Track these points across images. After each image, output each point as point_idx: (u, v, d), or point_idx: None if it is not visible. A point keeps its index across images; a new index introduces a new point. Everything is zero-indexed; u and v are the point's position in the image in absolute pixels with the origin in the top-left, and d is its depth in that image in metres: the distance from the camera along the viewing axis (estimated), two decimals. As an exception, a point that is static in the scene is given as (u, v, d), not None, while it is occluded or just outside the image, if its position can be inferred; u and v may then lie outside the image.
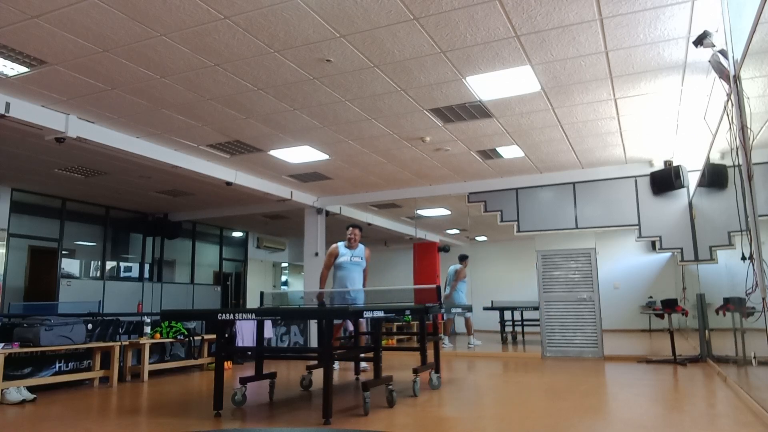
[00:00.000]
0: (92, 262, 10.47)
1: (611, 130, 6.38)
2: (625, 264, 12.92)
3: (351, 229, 6.59)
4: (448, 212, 11.16)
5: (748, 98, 3.33)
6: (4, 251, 8.65)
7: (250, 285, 13.90)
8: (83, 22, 3.86)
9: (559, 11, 3.82)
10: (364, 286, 6.54)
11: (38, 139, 5.91)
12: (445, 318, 12.27)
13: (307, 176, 8.43)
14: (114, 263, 11.03)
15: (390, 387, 4.26)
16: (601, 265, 8.03)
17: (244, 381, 4.42)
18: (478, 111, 5.72)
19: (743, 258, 3.67)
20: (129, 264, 11.29)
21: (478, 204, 8.66)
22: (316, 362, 5.35)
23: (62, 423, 3.88)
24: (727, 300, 5.14)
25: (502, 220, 8.45)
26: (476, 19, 3.89)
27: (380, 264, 16.69)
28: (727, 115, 3.89)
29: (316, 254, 9.94)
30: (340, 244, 6.53)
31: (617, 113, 5.82)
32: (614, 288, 12.04)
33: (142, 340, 6.19)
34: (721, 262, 5.46)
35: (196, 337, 6.88)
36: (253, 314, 3.99)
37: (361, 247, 6.59)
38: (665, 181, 7.39)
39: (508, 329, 11.21)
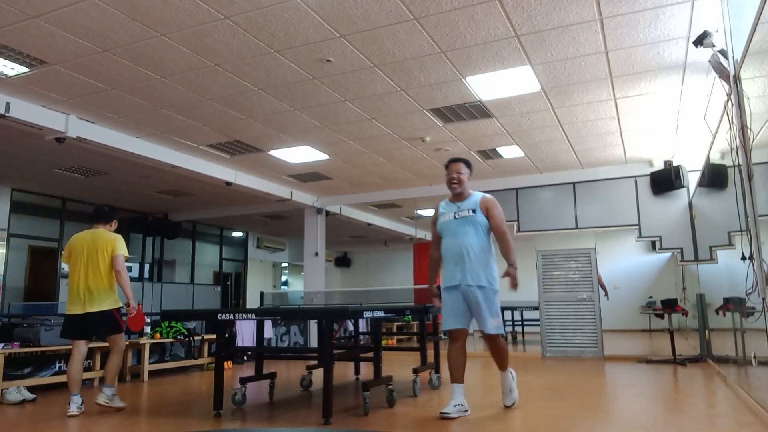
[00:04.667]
0: (92, 262, 10.45)
1: (611, 130, 6.38)
2: (625, 264, 12.91)
3: (450, 165, 4.04)
4: (448, 212, 11.15)
5: (748, 98, 3.33)
6: (4, 251, 8.65)
7: (250, 285, 13.91)
8: (83, 22, 3.86)
9: (559, 11, 3.82)
10: (509, 259, 3.93)
11: (38, 139, 5.91)
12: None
13: (307, 176, 8.43)
14: (114, 263, 11.02)
15: (390, 387, 4.26)
16: (601, 265, 8.03)
17: (244, 381, 4.42)
18: (478, 111, 5.72)
19: (743, 258, 3.67)
20: (129, 264, 11.21)
21: (478, 204, 8.64)
22: (316, 362, 5.35)
23: (62, 423, 3.88)
24: (727, 300, 5.14)
25: (502, 220, 8.43)
26: (476, 19, 3.89)
27: (380, 264, 16.74)
28: (727, 115, 3.89)
29: (316, 254, 9.94)
30: (443, 202, 4.14)
31: (617, 113, 5.82)
32: (614, 288, 12.03)
33: (142, 340, 6.19)
34: (721, 262, 5.46)
35: (196, 337, 6.88)
36: (253, 314, 3.99)
37: (475, 197, 4.01)
38: (665, 181, 7.39)
39: (508, 329, 11.21)
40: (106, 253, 4.24)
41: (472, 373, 6.35)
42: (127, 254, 4.36)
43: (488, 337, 3.95)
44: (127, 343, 6.10)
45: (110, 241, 4.27)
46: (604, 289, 9.85)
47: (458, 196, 4.03)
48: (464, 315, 3.90)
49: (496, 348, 4.03)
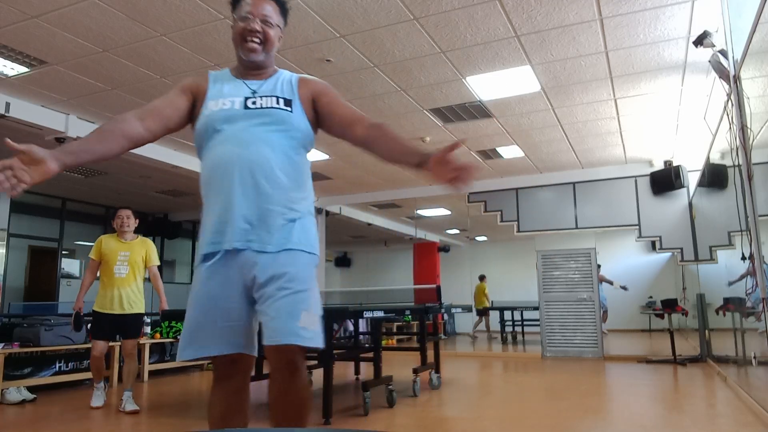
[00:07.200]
0: (92, 262, 10.45)
1: (611, 130, 6.38)
2: (625, 264, 12.92)
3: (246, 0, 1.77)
4: (448, 212, 11.16)
5: (748, 98, 3.34)
6: (4, 251, 8.64)
7: (250, 285, 13.88)
8: (83, 22, 3.86)
9: (559, 11, 3.82)
10: (414, 153, 1.56)
11: (38, 139, 5.90)
12: (446, 318, 12.21)
13: (307, 176, 8.42)
14: (114, 263, 11.01)
15: (390, 387, 4.26)
16: (601, 265, 8.03)
17: (244, 381, 4.41)
18: (478, 111, 5.72)
19: (743, 258, 3.67)
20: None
21: (478, 204, 8.65)
22: (316, 362, 5.35)
23: (62, 423, 3.88)
24: (727, 300, 5.14)
25: (502, 220, 8.45)
26: (476, 19, 3.89)
27: (380, 264, 16.74)
28: (727, 115, 3.90)
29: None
30: (221, 72, 1.85)
31: (617, 113, 5.82)
32: (614, 288, 12.04)
33: (142, 340, 6.18)
34: (721, 262, 5.46)
35: (196, 337, 6.87)
36: (253, 314, 3.98)
37: (283, 75, 1.85)
38: (665, 181, 7.39)
39: (508, 329, 11.21)
40: None
41: (472, 374, 6.35)
42: (90, 256, 4.69)
43: (283, 353, 1.66)
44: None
45: None
46: (611, 282, 9.96)
47: (255, 69, 1.82)
48: (239, 323, 1.73)
49: (290, 390, 1.74)
